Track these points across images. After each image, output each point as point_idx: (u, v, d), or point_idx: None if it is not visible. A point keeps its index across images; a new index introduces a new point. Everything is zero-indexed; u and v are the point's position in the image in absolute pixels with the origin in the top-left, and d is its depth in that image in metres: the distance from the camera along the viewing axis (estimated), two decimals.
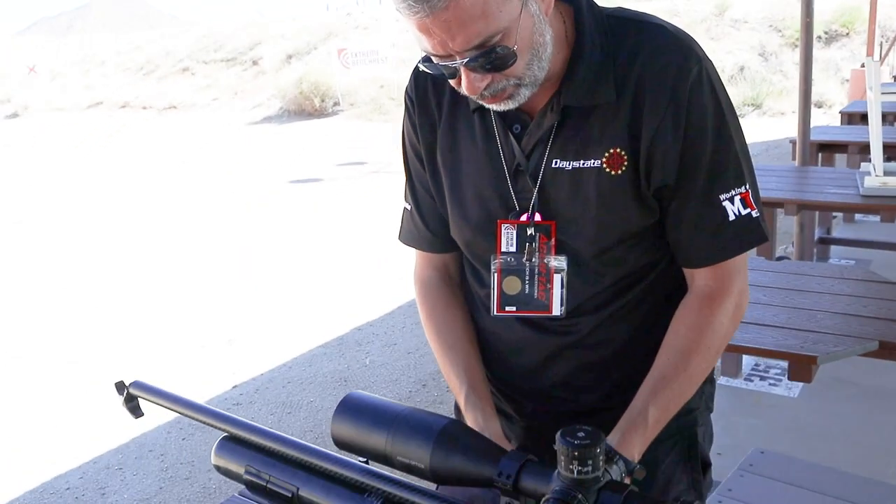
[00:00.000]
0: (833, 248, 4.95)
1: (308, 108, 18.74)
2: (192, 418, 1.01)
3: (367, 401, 0.83)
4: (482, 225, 1.14)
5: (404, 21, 0.95)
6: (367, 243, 6.59)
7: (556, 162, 1.08)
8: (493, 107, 1.05)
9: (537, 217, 1.09)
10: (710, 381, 1.25)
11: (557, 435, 0.67)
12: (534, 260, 1.10)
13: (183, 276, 6.31)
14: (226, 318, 5.20)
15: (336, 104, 18.26)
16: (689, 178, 1.06)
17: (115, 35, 35.32)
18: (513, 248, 1.11)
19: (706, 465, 1.25)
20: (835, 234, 5.21)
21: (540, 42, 1.00)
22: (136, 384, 1.07)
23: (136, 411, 1.07)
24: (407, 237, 1.29)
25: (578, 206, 1.08)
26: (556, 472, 0.69)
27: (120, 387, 1.06)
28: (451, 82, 1.02)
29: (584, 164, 1.06)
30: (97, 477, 3.44)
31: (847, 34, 16.45)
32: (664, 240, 1.12)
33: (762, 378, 3.45)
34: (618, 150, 1.05)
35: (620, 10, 1.10)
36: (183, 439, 3.68)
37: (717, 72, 1.08)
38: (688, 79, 1.03)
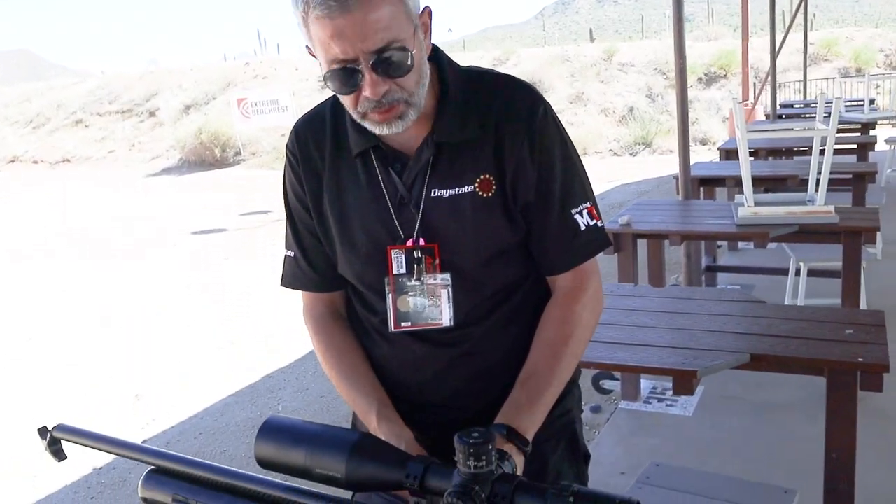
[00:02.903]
0: (720, 274, 5.29)
1: (209, 159, 18.53)
2: (119, 455, 1.05)
3: (286, 422, 0.92)
4: (372, 255, 1.27)
5: (317, 33, 1.09)
6: (275, 290, 6.57)
7: (435, 191, 1.23)
8: (384, 129, 1.18)
9: (421, 241, 1.24)
10: (577, 385, 1.42)
11: (455, 436, 0.78)
12: (423, 279, 1.25)
13: (86, 332, 6.13)
14: (132, 373, 5.09)
15: (237, 154, 18.12)
16: (547, 197, 1.25)
17: (3, 88, 34.00)
18: (403, 271, 1.25)
19: (587, 458, 1.44)
20: (720, 261, 5.56)
21: (424, 70, 1.18)
22: (60, 427, 1.09)
23: (59, 454, 1.09)
24: (291, 281, 1.39)
25: (457, 228, 1.23)
26: (456, 469, 0.79)
27: (43, 431, 1.08)
28: (348, 100, 1.16)
29: (459, 190, 1.22)
30: None
31: (725, 76, 17.57)
32: (531, 257, 1.31)
33: (659, 400, 3.66)
34: (487, 175, 1.22)
35: (473, 66, 1.32)
36: (91, 498, 3.59)
37: (555, 111, 1.31)
38: (537, 116, 1.24)
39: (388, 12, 1.07)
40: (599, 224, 1.30)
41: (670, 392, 3.69)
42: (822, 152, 3.62)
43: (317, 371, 4.65)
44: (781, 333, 2.26)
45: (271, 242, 8.83)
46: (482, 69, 1.31)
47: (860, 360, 2.03)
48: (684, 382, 2.00)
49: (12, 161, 23.32)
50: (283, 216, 1.42)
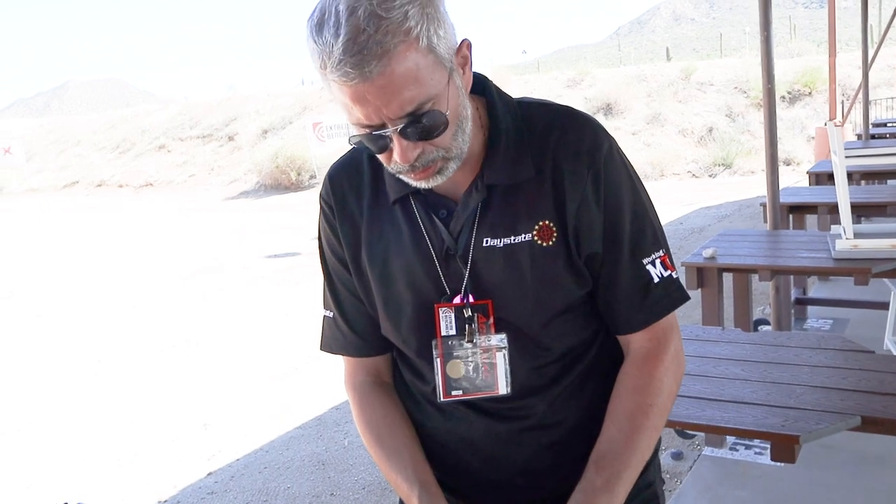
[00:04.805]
0: (810, 307, 4.95)
1: (284, 182, 18.84)
2: None
3: None
4: (417, 314, 1.12)
5: (337, 93, 0.95)
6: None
7: (487, 240, 1.08)
8: (422, 184, 1.04)
9: (470, 298, 1.09)
10: (655, 452, 1.24)
11: None
12: (475, 341, 1.10)
13: (157, 359, 6.18)
14: (201, 401, 5.08)
15: (312, 177, 18.37)
16: (615, 246, 1.10)
17: (92, 114, 35.53)
18: (452, 332, 1.11)
19: None
20: (811, 293, 5.22)
21: (464, 115, 1.03)
22: None
23: None
24: (331, 345, 1.26)
25: (514, 282, 1.08)
26: None
27: None
28: (381, 157, 1.03)
29: (514, 239, 1.08)
30: None
31: (809, 93, 16.90)
32: (599, 314, 1.15)
33: (747, 447, 3.39)
34: (546, 222, 1.07)
35: (526, 97, 1.16)
36: None
37: (620, 148, 1.14)
38: (601, 153, 1.09)
39: (413, 68, 0.93)
40: (674, 275, 1.14)
41: (759, 439, 3.41)
42: None
43: None
44: None
45: None
46: (537, 100, 1.16)
47: None
48: (785, 449, 1.78)
49: (99, 185, 24.24)
50: None
